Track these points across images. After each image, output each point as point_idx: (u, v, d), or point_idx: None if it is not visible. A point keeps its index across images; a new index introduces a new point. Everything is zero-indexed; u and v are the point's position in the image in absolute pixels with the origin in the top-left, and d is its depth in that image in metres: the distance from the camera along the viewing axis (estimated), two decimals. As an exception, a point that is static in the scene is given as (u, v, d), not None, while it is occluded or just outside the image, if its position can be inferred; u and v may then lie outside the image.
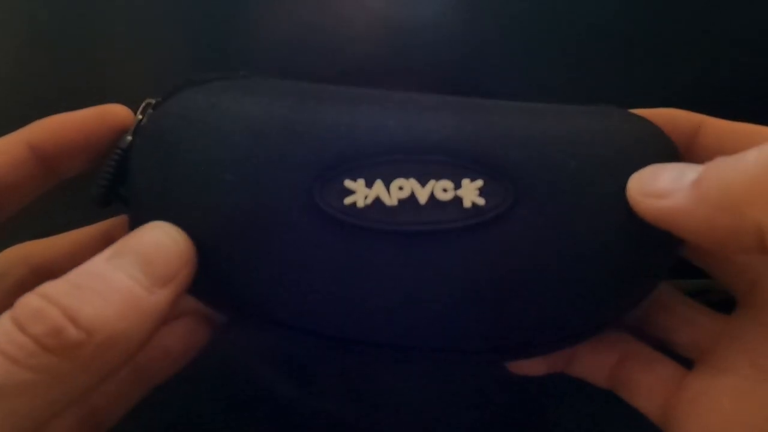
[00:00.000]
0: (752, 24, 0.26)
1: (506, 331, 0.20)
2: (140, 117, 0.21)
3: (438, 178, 0.18)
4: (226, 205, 0.19)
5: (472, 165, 0.19)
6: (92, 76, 0.29)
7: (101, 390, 0.19)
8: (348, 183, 0.18)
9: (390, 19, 0.28)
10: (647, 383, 0.22)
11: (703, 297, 0.24)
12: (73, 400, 0.16)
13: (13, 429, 0.15)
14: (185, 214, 0.19)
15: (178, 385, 0.23)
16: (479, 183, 0.18)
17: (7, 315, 0.15)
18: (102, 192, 0.21)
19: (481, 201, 0.18)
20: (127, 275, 0.17)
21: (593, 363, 0.23)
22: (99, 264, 0.17)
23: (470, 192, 0.18)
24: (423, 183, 0.18)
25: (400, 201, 0.18)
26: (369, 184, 0.18)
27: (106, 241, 0.23)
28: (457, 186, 0.18)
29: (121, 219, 0.24)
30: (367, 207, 0.18)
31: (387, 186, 0.18)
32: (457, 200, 0.18)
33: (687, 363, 0.22)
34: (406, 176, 0.18)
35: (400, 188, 0.18)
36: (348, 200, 0.18)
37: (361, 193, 0.18)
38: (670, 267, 0.20)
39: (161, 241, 0.18)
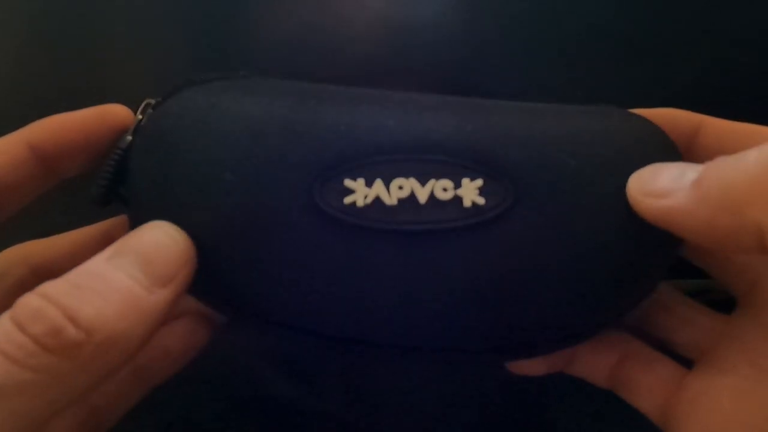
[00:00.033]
0: (752, 24, 0.26)
1: (506, 331, 0.20)
2: (140, 117, 0.21)
3: (438, 177, 0.18)
4: (226, 205, 0.19)
5: (472, 164, 0.19)
6: (92, 76, 0.29)
7: (101, 390, 0.19)
8: (348, 182, 0.18)
9: (390, 19, 0.28)
10: (647, 383, 0.22)
11: (703, 297, 0.24)
12: (73, 400, 0.16)
13: (13, 429, 0.15)
14: (185, 214, 0.19)
15: (178, 385, 0.23)
16: (479, 182, 0.18)
17: (6, 315, 0.15)
18: (102, 192, 0.21)
19: (481, 200, 0.18)
20: (127, 275, 0.17)
21: (593, 363, 0.23)
22: (99, 264, 0.17)
23: (470, 191, 0.18)
24: (423, 182, 0.18)
25: (400, 200, 0.18)
26: (369, 184, 0.18)
27: (106, 241, 0.23)
28: (457, 185, 0.18)
29: (121, 219, 0.24)
30: (366, 206, 0.18)
31: (387, 185, 0.18)
32: (457, 200, 0.18)
33: (687, 363, 0.22)
34: (406, 176, 0.18)
35: (400, 188, 0.18)
36: (348, 200, 0.18)
37: (360, 192, 0.18)
38: (670, 267, 0.20)
39: (161, 240, 0.18)
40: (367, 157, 0.19)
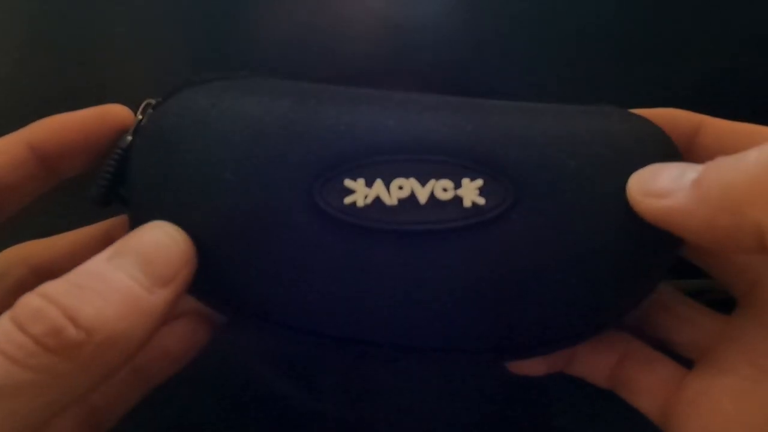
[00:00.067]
0: (752, 24, 0.26)
1: (506, 331, 0.20)
2: (140, 117, 0.21)
3: (438, 177, 0.18)
4: (226, 205, 0.19)
5: (472, 164, 0.19)
6: (92, 76, 0.29)
7: (101, 390, 0.19)
8: (348, 182, 0.18)
9: (390, 19, 0.28)
10: (647, 383, 0.22)
11: (703, 297, 0.24)
12: (73, 400, 0.16)
13: (13, 429, 0.15)
14: (185, 214, 0.19)
15: (178, 385, 0.23)
16: (479, 182, 0.18)
17: (7, 315, 0.15)
18: (102, 192, 0.21)
19: (481, 200, 0.18)
20: (127, 275, 0.17)
21: (593, 363, 0.23)
22: (99, 264, 0.17)
23: (470, 191, 0.18)
24: (423, 182, 0.18)
25: (400, 200, 0.18)
26: (369, 184, 0.18)
27: (106, 241, 0.23)
28: (457, 185, 0.18)
29: (121, 219, 0.24)
30: (367, 206, 0.18)
31: (387, 185, 0.18)
32: (457, 200, 0.18)
33: (687, 363, 0.22)
34: (406, 176, 0.18)
35: (400, 188, 0.18)
36: (348, 200, 0.18)
37: (361, 192, 0.18)
38: (670, 267, 0.20)
39: (161, 240, 0.18)
40: (367, 157, 0.19)
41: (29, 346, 0.15)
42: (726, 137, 0.21)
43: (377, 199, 0.18)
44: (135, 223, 0.19)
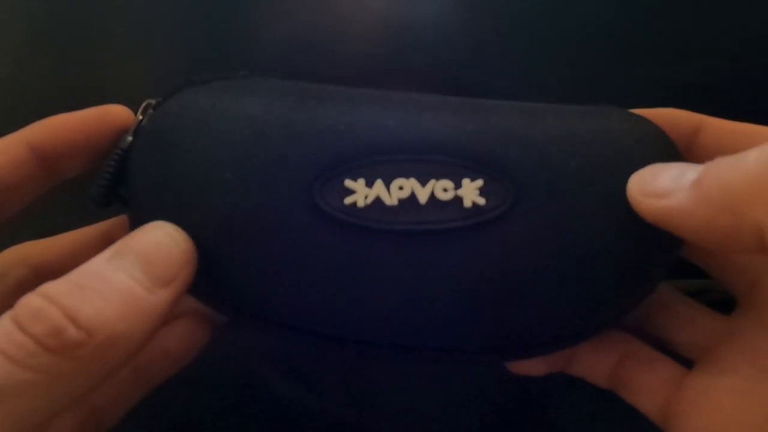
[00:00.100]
0: (752, 24, 0.26)
1: (506, 331, 0.20)
2: (140, 117, 0.21)
3: (438, 177, 0.18)
4: (226, 205, 0.19)
5: (472, 165, 0.19)
6: (92, 76, 0.29)
7: (101, 390, 0.19)
8: (348, 183, 0.18)
9: (390, 19, 0.28)
10: (647, 383, 0.22)
11: (703, 297, 0.24)
12: (74, 401, 0.16)
13: (13, 429, 0.15)
14: (185, 214, 0.19)
15: (178, 385, 0.23)
16: (479, 183, 0.18)
17: (7, 315, 0.15)
18: (102, 192, 0.21)
19: (481, 201, 0.18)
20: (127, 275, 0.17)
21: (593, 363, 0.23)
22: (99, 264, 0.17)
23: (470, 192, 0.18)
24: (423, 183, 0.18)
25: (401, 201, 0.18)
26: (369, 184, 0.18)
27: (106, 241, 0.23)
28: (458, 186, 0.18)
29: (121, 219, 0.24)
30: (367, 207, 0.18)
31: (387, 186, 0.18)
32: (458, 200, 0.18)
33: (687, 363, 0.22)
34: (407, 176, 0.18)
35: (401, 188, 0.18)
36: (348, 200, 0.18)
37: (361, 192, 0.18)
38: (670, 267, 0.20)
39: (162, 241, 0.18)
40: (367, 158, 0.19)
41: (30, 347, 0.15)
42: (726, 137, 0.21)
43: (377, 200, 0.18)
44: (135, 223, 0.19)
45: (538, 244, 0.18)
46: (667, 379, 0.21)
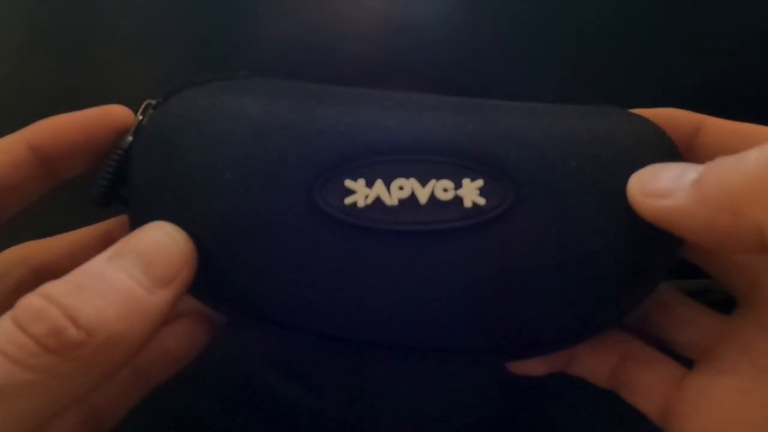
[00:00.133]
0: (752, 24, 0.26)
1: (506, 331, 0.20)
2: (140, 117, 0.21)
3: (438, 177, 0.18)
4: (226, 205, 0.19)
5: (472, 165, 0.19)
6: (92, 76, 0.29)
7: (101, 390, 0.19)
8: (348, 183, 0.18)
9: (390, 19, 0.28)
10: (647, 383, 0.22)
11: (703, 297, 0.24)
12: (74, 401, 0.16)
13: (13, 429, 0.15)
14: (185, 214, 0.19)
15: (178, 385, 0.23)
16: (479, 183, 0.18)
17: (7, 315, 0.15)
18: (102, 192, 0.21)
19: (481, 201, 0.18)
20: (127, 275, 0.17)
21: (593, 363, 0.23)
22: (100, 264, 0.17)
23: (471, 192, 0.18)
24: (423, 183, 0.18)
25: (401, 201, 0.18)
26: (369, 184, 0.18)
27: (106, 241, 0.23)
28: (458, 186, 0.18)
29: (121, 219, 0.24)
30: (367, 207, 0.18)
31: (387, 186, 0.18)
32: (458, 200, 0.18)
33: (687, 363, 0.22)
34: (407, 176, 0.18)
35: (401, 188, 0.18)
36: (348, 200, 0.18)
37: (361, 192, 0.18)
38: (670, 267, 0.20)
39: (162, 241, 0.18)
40: (367, 158, 0.19)
41: (30, 347, 0.15)
42: (726, 137, 0.21)
43: (378, 200, 0.18)
44: (135, 223, 0.19)
45: (538, 244, 0.18)
46: (667, 379, 0.21)
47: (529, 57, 0.28)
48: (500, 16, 0.27)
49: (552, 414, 0.29)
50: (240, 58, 0.28)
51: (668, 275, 0.21)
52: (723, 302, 0.22)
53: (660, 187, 0.17)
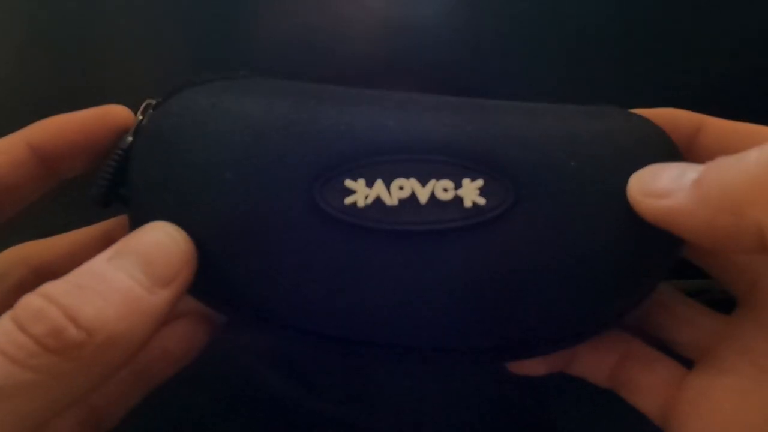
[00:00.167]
0: (752, 24, 0.26)
1: (506, 331, 0.20)
2: (140, 117, 0.21)
3: (438, 177, 0.18)
4: (226, 204, 0.19)
5: (472, 165, 0.19)
6: (92, 76, 0.29)
7: (101, 390, 0.19)
8: (348, 183, 0.18)
9: (390, 19, 0.28)
10: (647, 383, 0.22)
11: (703, 297, 0.24)
12: (74, 401, 0.16)
13: (13, 429, 0.15)
14: (185, 214, 0.19)
15: (178, 385, 0.23)
16: (480, 183, 0.18)
17: (7, 315, 0.15)
18: (102, 192, 0.21)
19: (481, 201, 0.18)
20: (127, 275, 0.17)
21: (593, 363, 0.23)
22: (100, 264, 0.17)
23: (471, 191, 0.18)
24: (423, 183, 0.18)
25: (401, 201, 0.18)
26: (369, 184, 0.18)
27: (106, 241, 0.23)
28: (458, 186, 0.18)
29: (121, 219, 0.24)
30: (367, 207, 0.18)
31: (387, 186, 0.18)
32: (458, 200, 0.18)
33: (687, 363, 0.22)
34: (407, 176, 0.18)
35: (401, 188, 0.18)
36: (348, 200, 0.18)
37: (361, 192, 0.18)
38: (671, 267, 0.20)
39: (162, 241, 0.18)
40: (367, 158, 0.19)
41: (30, 347, 0.15)
42: (726, 137, 0.21)
43: (378, 200, 0.18)
44: (135, 223, 0.19)
45: (538, 244, 0.18)
46: (667, 379, 0.21)
47: (529, 57, 0.28)
48: (500, 16, 0.27)
49: (552, 414, 0.29)
50: (240, 58, 0.28)
51: (668, 275, 0.21)
52: (723, 302, 0.22)
53: (660, 187, 0.17)
